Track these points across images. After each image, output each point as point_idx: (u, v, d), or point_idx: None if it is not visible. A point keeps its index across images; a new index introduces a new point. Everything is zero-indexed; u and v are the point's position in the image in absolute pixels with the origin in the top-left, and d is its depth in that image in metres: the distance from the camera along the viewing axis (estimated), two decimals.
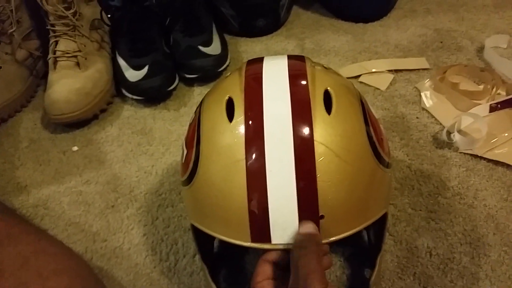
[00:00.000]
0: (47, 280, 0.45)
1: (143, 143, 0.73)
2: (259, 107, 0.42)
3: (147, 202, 0.64)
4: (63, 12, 0.77)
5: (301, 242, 0.38)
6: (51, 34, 0.80)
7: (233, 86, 0.45)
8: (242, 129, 0.41)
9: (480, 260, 0.53)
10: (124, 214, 0.62)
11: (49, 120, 0.76)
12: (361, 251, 0.55)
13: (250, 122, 0.41)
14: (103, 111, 0.80)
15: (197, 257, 0.56)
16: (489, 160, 0.65)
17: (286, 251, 0.40)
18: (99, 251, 0.58)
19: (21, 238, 0.50)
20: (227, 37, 0.94)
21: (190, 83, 0.85)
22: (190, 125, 0.49)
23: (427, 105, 0.75)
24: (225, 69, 0.86)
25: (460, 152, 0.67)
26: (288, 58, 0.48)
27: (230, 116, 0.43)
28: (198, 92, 0.83)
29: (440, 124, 0.72)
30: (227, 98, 0.44)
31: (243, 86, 0.44)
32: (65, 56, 0.78)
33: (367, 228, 0.43)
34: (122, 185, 0.67)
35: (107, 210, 0.63)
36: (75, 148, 0.74)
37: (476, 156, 0.66)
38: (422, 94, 0.77)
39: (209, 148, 0.43)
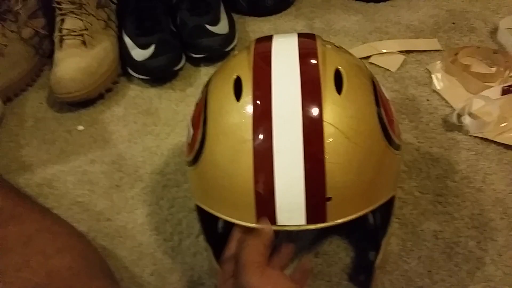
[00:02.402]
0: (50, 259, 0.45)
1: (148, 123, 0.73)
2: (267, 86, 0.41)
3: (152, 182, 0.64)
4: None
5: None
6: (57, 12, 0.78)
7: (241, 65, 0.44)
8: (249, 108, 0.40)
9: (487, 244, 0.53)
10: (128, 194, 0.62)
11: (55, 99, 0.76)
12: (367, 233, 0.55)
13: (258, 102, 0.40)
14: (108, 90, 0.79)
15: (201, 237, 0.56)
16: (499, 144, 0.64)
17: None
18: (103, 231, 0.58)
19: (25, 217, 0.50)
20: (235, 16, 0.92)
21: (196, 63, 0.84)
22: (196, 104, 0.48)
23: (438, 87, 0.74)
24: (232, 48, 0.84)
25: (470, 136, 0.65)
26: (298, 36, 0.47)
27: (238, 95, 0.42)
28: (205, 72, 0.82)
29: (451, 106, 0.70)
30: (235, 77, 0.43)
31: (251, 65, 0.43)
32: (71, 35, 0.77)
33: (373, 211, 0.43)
34: (127, 165, 0.66)
35: (112, 190, 0.63)
36: (81, 128, 0.73)
37: (486, 140, 0.65)
38: (433, 76, 0.75)
39: (216, 128, 0.42)
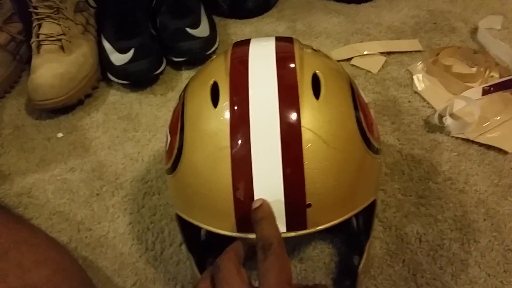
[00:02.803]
0: (28, 272, 0.44)
1: (129, 129, 0.72)
2: (244, 91, 0.40)
3: (133, 189, 0.62)
4: None
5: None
6: (34, 17, 0.77)
7: (218, 70, 0.44)
8: (227, 115, 0.40)
9: (470, 246, 0.53)
10: (109, 203, 0.61)
11: (33, 106, 0.74)
12: (350, 237, 0.54)
13: (235, 108, 0.40)
14: (88, 96, 0.78)
15: (184, 246, 0.55)
16: (481, 145, 0.64)
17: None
18: (83, 241, 0.57)
19: (1, 229, 0.48)
20: (216, 19, 0.92)
21: (177, 66, 0.83)
22: (174, 110, 0.47)
23: (419, 88, 0.74)
24: (213, 51, 0.83)
25: (452, 136, 0.66)
26: (276, 40, 0.46)
27: (215, 101, 0.41)
28: (186, 76, 0.81)
29: (432, 107, 0.70)
30: (211, 82, 0.43)
31: (228, 70, 0.42)
32: (48, 40, 0.76)
33: (356, 215, 0.42)
34: (108, 173, 0.65)
35: (92, 198, 0.62)
36: (60, 135, 0.72)
37: (468, 140, 0.65)
38: (414, 77, 0.76)
39: (193, 135, 0.41)
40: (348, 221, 0.54)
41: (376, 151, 0.44)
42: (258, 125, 0.39)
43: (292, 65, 0.42)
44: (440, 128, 0.67)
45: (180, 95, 0.47)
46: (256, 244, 0.36)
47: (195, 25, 0.82)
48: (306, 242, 0.54)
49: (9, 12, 0.82)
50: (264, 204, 0.38)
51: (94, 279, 0.52)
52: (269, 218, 0.37)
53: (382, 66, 0.79)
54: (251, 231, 0.39)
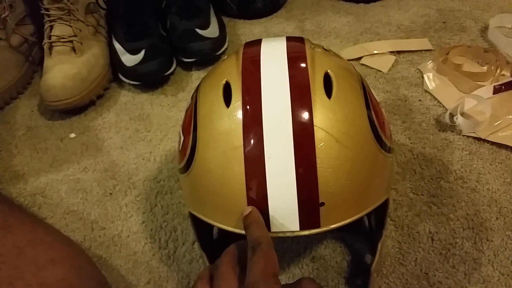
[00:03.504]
0: (43, 270, 0.44)
1: (141, 129, 0.72)
2: (257, 91, 0.41)
3: (145, 189, 0.63)
4: None
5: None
6: (46, 18, 0.78)
7: (230, 70, 0.44)
8: (239, 114, 0.40)
9: (483, 245, 0.53)
10: (122, 202, 0.62)
11: (46, 106, 0.75)
12: (362, 237, 0.54)
13: (248, 107, 0.40)
14: (100, 97, 0.79)
15: (197, 244, 0.55)
16: (492, 143, 0.64)
17: None
18: (97, 239, 0.58)
19: (17, 228, 0.49)
20: (225, 20, 0.93)
21: (188, 67, 0.84)
22: (186, 110, 0.47)
23: (430, 87, 0.73)
24: (223, 52, 0.84)
25: (463, 135, 0.65)
26: (287, 40, 0.46)
27: (227, 101, 0.42)
28: (196, 77, 0.82)
29: (443, 106, 0.70)
30: (224, 82, 0.43)
31: (240, 70, 0.43)
32: (60, 41, 0.76)
33: (368, 214, 0.43)
34: (120, 172, 0.66)
35: (105, 198, 0.62)
36: (73, 135, 0.73)
37: (479, 139, 0.64)
38: (424, 76, 0.75)
39: (206, 134, 0.42)
40: (360, 220, 0.54)
41: (388, 149, 0.44)
42: (270, 124, 0.39)
43: (304, 65, 0.42)
44: (451, 127, 0.67)
45: (192, 95, 0.48)
46: (248, 246, 0.37)
47: (205, 26, 0.83)
48: (318, 241, 0.55)
49: (22, 14, 0.83)
50: (253, 211, 0.39)
51: (108, 277, 0.53)
52: (257, 222, 0.38)
53: (392, 65, 0.79)
54: None
